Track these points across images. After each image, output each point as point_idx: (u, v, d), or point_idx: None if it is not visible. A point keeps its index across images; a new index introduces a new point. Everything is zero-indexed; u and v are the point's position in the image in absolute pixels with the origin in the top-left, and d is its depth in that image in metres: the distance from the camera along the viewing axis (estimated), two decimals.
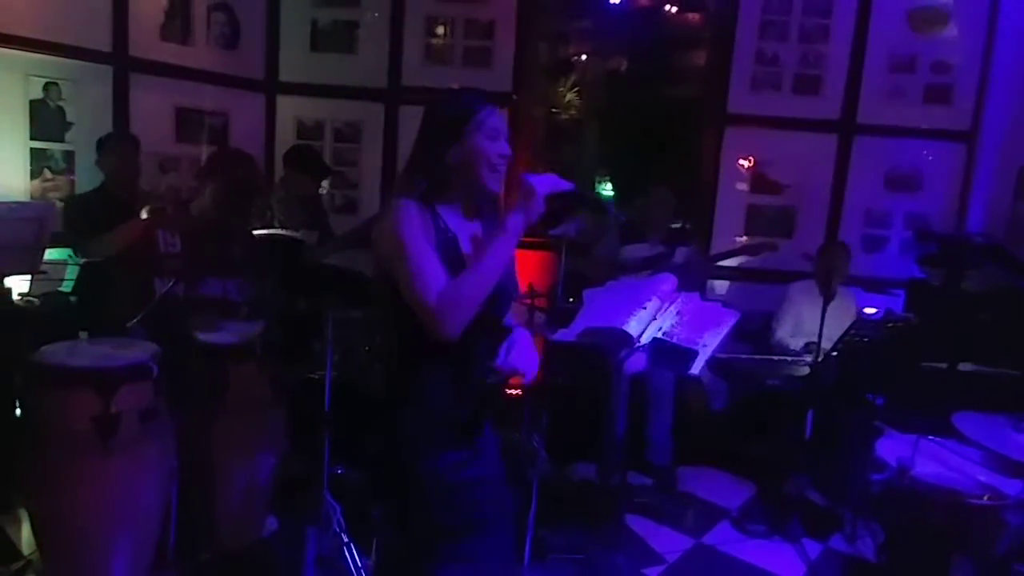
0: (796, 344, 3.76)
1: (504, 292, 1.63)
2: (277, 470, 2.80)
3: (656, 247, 3.89)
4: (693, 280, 3.92)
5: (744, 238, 4.58)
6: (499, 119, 1.61)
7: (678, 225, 4.68)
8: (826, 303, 3.24)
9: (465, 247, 1.62)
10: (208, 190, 2.74)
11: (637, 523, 3.31)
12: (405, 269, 1.51)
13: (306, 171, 3.84)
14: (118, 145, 3.37)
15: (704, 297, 2.46)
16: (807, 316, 3.83)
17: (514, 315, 1.81)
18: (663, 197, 3.98)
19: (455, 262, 1.56)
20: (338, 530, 2.63)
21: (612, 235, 3.94)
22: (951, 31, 4.34)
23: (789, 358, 3.66)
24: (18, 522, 2.82)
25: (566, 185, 1.59)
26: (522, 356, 1.64)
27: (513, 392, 3.71)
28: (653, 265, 3.76)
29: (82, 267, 3.25)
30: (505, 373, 1.64)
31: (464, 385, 1.64)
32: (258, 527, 2.82)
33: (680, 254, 3.92)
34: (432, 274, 1.50)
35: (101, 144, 3.36)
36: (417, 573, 1.67)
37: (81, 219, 3.12)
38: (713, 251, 4.44)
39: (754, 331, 3.91)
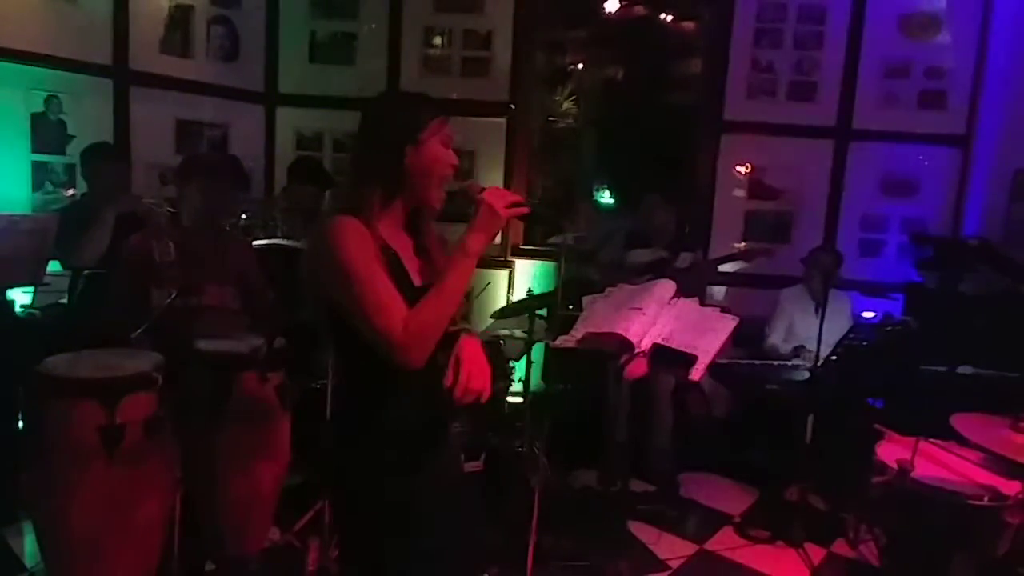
0: (786, 349, 3.78)
1: None
2: (280, 480, 2.80)
3: (658, 252, 3.93)
4: (694, 284, 3.95)
5: (743, 244, 4.60)
6: (449, 128, 1.54)
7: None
8: (818, 308, 3.25)
9: (406, 262, 1.53)
10: (193, 191, 2.74)
11: (639, 529, 3.31)
12: (360, 300, 1.39)
13: (309, 182, 3.86)
14: (98, 161, 3.27)
15: (703, 302, 2.48)
16: (798, 321, 3.85)
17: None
18: (658, 204, 4.02)
19: (401, 280, 1.46)
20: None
21: (616, 241, 3.98)
22: (944, 36, 4.38)
23: (788, 362, 3.68)
24: (21, 533, 2.83)
25: (523, 207, 1.48)
26: (474, 374, 1.46)
27: (514, 399, 3.71)
28: (656, 269, 3.78)
29: (84, 278, 3.25)
30: (461, 400, 1.45)
31: (419, 405, 1.53)
32: (261, 537, 2.82)
33: (683, 259, 3.95)
34: (392, 304, 1.39)
35: (83, 156, 3.30)
36: None
37: (63, 228, 3.03)
38: (710, 257, 4.46)
39: (752, 336, 3.93)
